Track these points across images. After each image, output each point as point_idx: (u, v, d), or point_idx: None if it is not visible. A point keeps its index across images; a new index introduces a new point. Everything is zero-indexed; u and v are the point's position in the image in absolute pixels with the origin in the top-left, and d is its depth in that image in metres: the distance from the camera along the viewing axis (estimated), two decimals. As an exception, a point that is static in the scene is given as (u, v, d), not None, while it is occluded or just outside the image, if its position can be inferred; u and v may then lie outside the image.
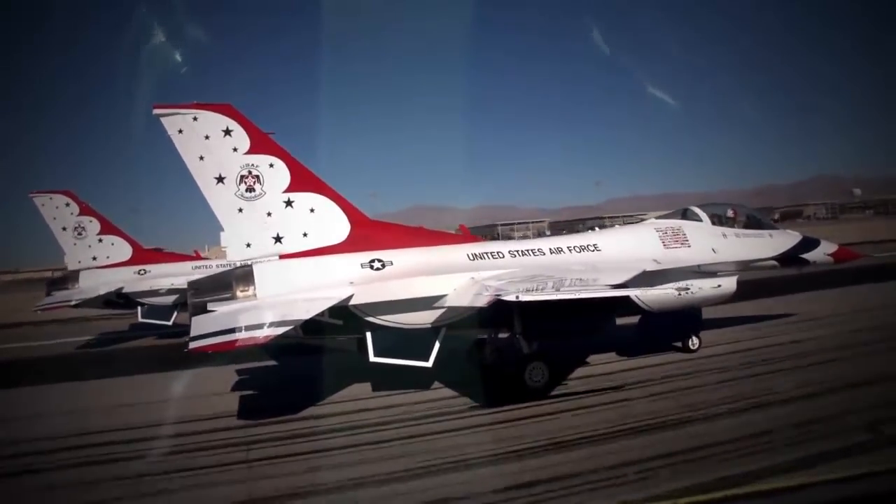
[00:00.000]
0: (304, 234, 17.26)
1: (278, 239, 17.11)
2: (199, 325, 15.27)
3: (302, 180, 17.38)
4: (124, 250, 34.02)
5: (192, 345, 14.60)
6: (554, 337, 18.01)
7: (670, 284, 17.98)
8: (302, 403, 17.59)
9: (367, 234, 17.72)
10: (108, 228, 33.98)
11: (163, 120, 16.74)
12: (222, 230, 17.05)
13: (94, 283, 32.68)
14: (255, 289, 16.33)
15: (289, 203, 17.23)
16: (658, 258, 19.06)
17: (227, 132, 16.95)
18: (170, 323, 32.42)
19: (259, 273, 16.51)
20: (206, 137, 16.82)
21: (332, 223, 17.52)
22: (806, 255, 21.62)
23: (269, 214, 17.10)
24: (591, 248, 19.15)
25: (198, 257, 38.71)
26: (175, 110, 16.77)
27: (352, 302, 16.45)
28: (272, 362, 23.82)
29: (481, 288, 16.55)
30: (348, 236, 17.56)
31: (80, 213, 33.58)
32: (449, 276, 17.22)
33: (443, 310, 16.98)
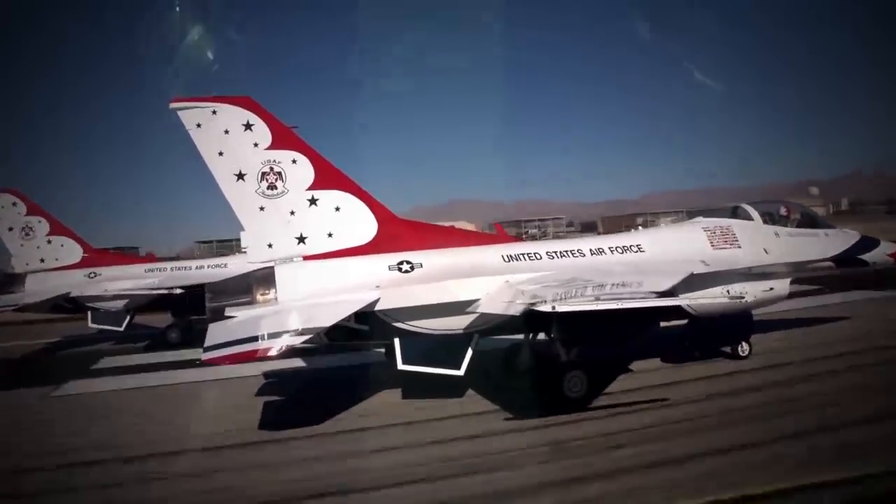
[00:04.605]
0: (329, 235, 16.27)
1: (301, 239, 16.13)
2: (215, 333, 14.38)
3: (327, 177, 16.41)
4: (74, 252, 32.61)
5: (206, 355, 13.67)
6: (595, 344, 16.70)
7: (719, 288, 16.90)
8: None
9: (396, 234, 16.70)
10: (58, 229, 32.63)
11: (180, 114, 15.92)
12: (242, 230, 15.97)
13: (41, 287, 31.36)
14: (276, 292, 15.32)
15: (313, 201, 16.26)
16: (706, 259, 17.69)
17: (248, 126, 16.00)
18: (121, 328, 31.04)
19: (281, 275, 15.50)
20: (226, 132, 15.93)
21: (359, 222, 16.56)
22: (864, 256, 20.01)
23: (291, 213, 16.18)
24: (635, 249, 17.82)
25: (152, 259, 37.54)
26: (193, 103, 15.98)
27: (379, 307, 15.35)
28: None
29: (516, 293, 15.26)
30: (375, 236, 16.57)
31: (28, 213, 32.19)
32: (482, 280, 16.01)
33: (475, 315, 15.75)
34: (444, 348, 16.25)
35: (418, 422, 15.54)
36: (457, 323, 16.07)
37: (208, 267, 33.82)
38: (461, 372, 16.06)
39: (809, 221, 20.03)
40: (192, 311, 31.68)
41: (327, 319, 14.27)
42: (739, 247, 18.45)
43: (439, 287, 15.71)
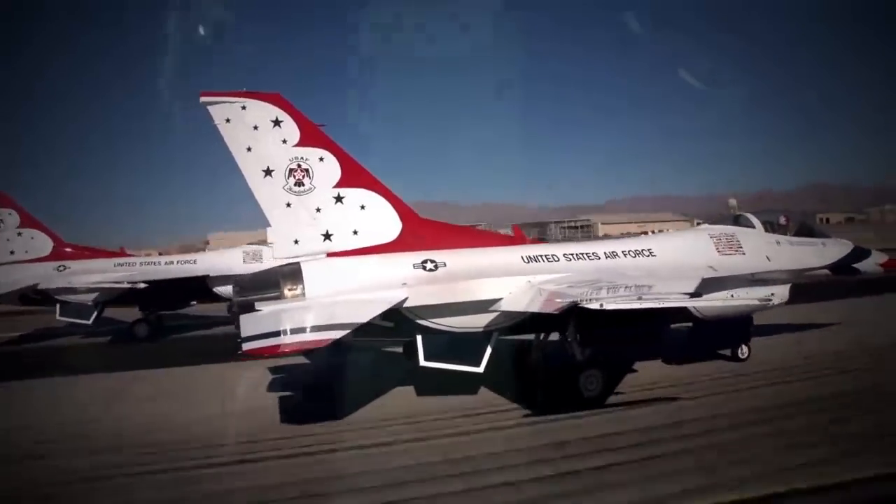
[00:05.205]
0: (355, 232, 16.52)
1: (328, 236, 16.35)
2: (250, 323, 14.44)
3: (353, 175, 16.68)
4: (45, 245, 32.95)
5: (246, 346, 13.77)
6: (611, 344, 17.22)
7: (724, 292, 17.65)
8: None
9: (419, 233, 17.06)
10: (28, 222, 32.94)
11: (210, 108, 16.03)
12: (269, 225, 16.13)
13: (9, 279, 31.50)
14: (303, 288, 15.43)
15: (339, 199, 16.48)
16: (713, 265, 18.42)
17: (277, 123, 16.18)
18: (89, 322, 31.14)
19: (308, 271, 15.65)
20: (255, 128, 16.09)
21: (384, 221, 16.84)
22: (857, 265, 21.05)
23: (318, 210, 16.35)
24: (647, 253, 18.41)
25: (122, 254, 37.67)
26: (223, 98, 16.09)
27: (404, 304, 15.51)
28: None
29: (538, 293, 15.75)
30: (399, 235, 16.87)
31: None
32: (504, 279, 16.40)
33: (496, 314, 16.21)
34: (464, 346, 16.62)
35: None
36: (477, 321, 16.45)
37: (177, 263, 34.70)
38: (481, 369, 16.42)
39: (807, 231, 20.96)
40: (160, 305, 32.92)
41: (364, 316, 14.50)
42: (744, 253, 19.23)
43: (465, 286, 16.06)
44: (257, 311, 14.95)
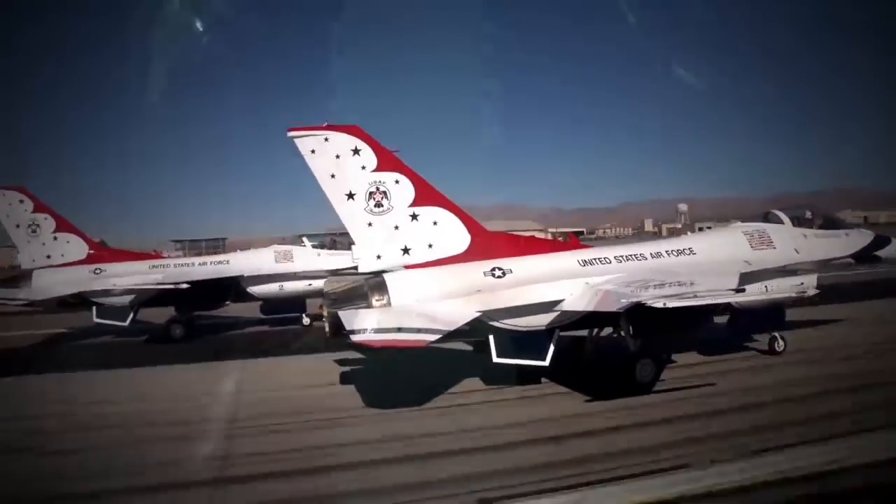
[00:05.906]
0: (430, 246, 18.46)
1: (406, 250, 18.30)
2: (353, 319, 16.44)
3: (425, 195, 18.61)
4: (80, 249, 33.71)
5: (356, 337, 16.00)
6: (661, 337, 19.09)
7: (758, 284, 19.42)
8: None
9: (486, 244, 18.95)
10: (63, 226, 33.69)
11: (296, 141, 18.02)
12: (353, 243, 18.12)
13: (48, 284, 32.39)
14: (388, 298, 17.37)
15: (414, 217, 18.42)
16: (748, 259, 20.25)
17: (356, 151, 18.14)
18: (125, 323, 32.09)
19: (392, 283, 17.59)
20: (337, 157, 18.05)
21: (454, 234, 18.77)
22: (879, 252, 22.73)
23: (396, 228, 18.26)
24: (688, 252, 20.22)
25: (156, 256, 38.26)
26: (307, 132, 18.09)
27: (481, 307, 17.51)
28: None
29: (596, 293, 17.76)
30: (469, 246, 18.80)
31: (35, 210, 33.20)
32: (564, 282, 18.29)
33: (559, 313, 18.07)
34: (530, 342, 18.54)
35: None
36: (541, 320, 18.39)
37: (211, 264, 35.60)
38: (546, 363, 18.38)
39: (831, 223, 22.74)
40: (195, 306, 33.96)
41: (458, 320, 16.64)
42: (774, 248, 21.04)
43: (529, 290, 18.04)
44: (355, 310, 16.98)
